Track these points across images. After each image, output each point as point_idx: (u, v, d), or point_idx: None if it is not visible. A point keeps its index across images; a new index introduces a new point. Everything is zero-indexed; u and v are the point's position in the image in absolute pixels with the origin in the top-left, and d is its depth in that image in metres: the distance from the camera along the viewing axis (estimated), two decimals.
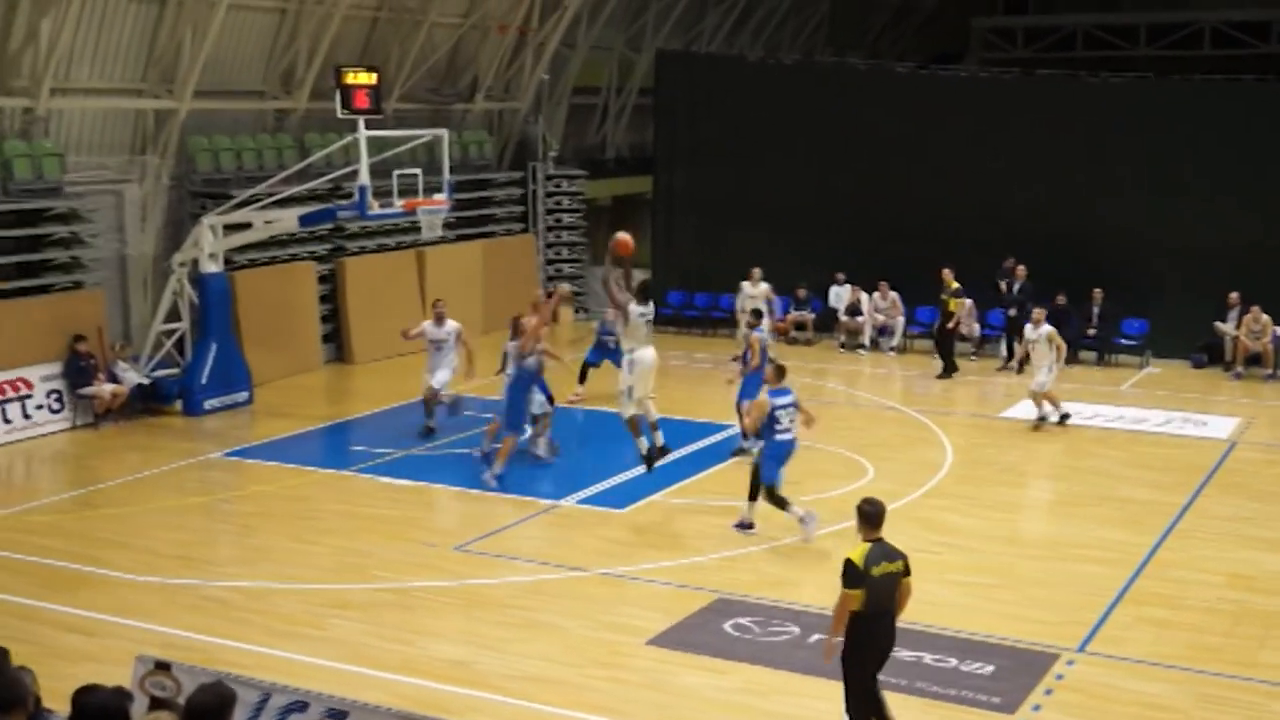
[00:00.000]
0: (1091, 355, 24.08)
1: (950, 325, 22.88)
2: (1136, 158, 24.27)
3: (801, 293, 26.06)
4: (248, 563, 13.55)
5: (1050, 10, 42.83)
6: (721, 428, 18.49)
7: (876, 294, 25.27)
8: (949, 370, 22.78)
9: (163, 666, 8.27)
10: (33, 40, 18.81)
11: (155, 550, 13.81)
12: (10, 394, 18.36)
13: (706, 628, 11.67)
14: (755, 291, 24.13)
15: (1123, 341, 23.85)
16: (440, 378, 18.28)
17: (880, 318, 25.25)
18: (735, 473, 16.43)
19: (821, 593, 12.44)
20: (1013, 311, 23.39)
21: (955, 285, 22.82)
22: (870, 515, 8.81)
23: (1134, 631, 11.63)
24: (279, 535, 14.38)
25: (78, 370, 18.93)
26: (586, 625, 11.76)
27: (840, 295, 26.00)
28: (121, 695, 6.74)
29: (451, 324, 18.42)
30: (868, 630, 8.68)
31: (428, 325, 18.61)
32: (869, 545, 8.71)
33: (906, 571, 8.82)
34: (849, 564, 8.59)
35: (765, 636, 11.47)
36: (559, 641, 11.38)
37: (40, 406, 18.71)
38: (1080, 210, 24.59)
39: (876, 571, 8.60)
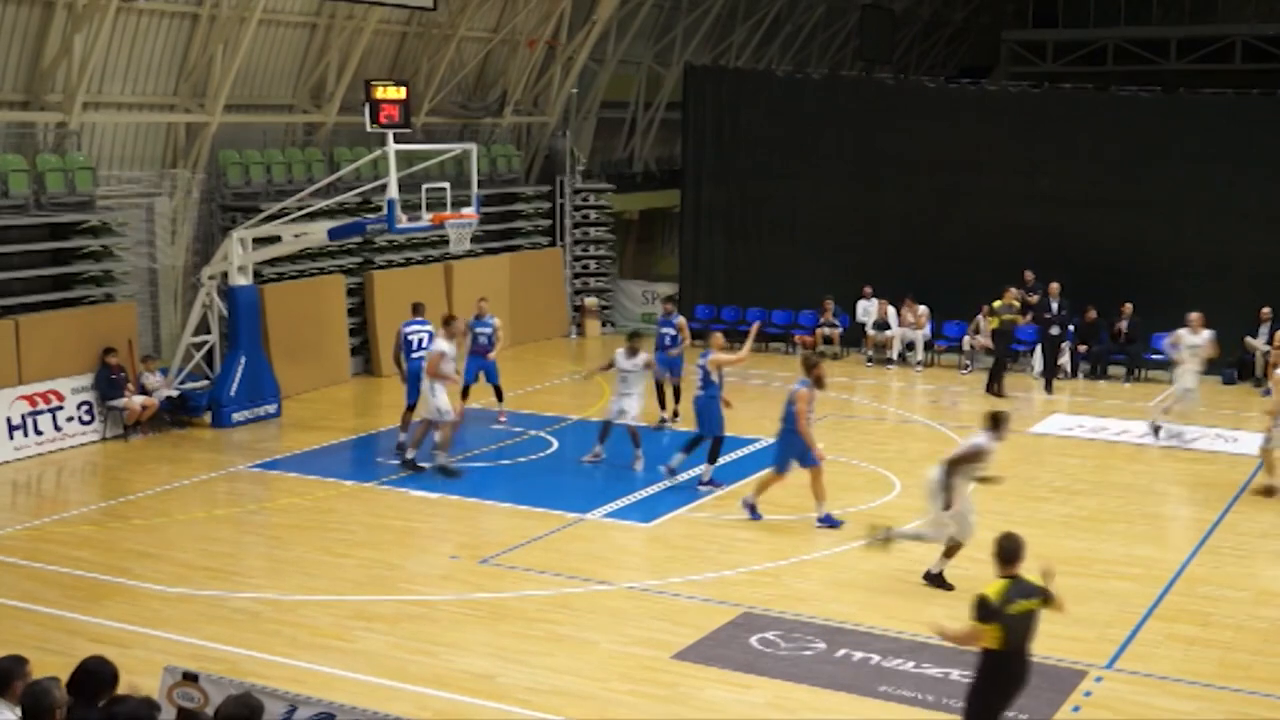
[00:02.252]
0: (1121, 370, 23.94)
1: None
2: (1167, 172, 24.15)
3: (829, 306, 26.02)
4: (275, 575, 13.61)
5: (1080, 24, 42.74)
6: (747, 442, 18.46)
7: (904, 308, 25.19)
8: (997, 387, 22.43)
9: (190, 677, 8.34)
10: (66, 55, 18.99)
11: (184, 562, 13.89)
12: (42, 406, 18.50)
13: (732, 642, 11.65)
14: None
15: (1153, 357, 23.69)
16: (633, 408, 17.35)
17: (907, 332, 25.16)
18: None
19: (846, 607, 12.44)
20: (1055, 330, 23.17)
21: (1016, 304, 22.68)
22: (1004, 551, 8.72)
23: (1163, 649, 11.57)
24: (307, 547, 14.43)
25: (108, 382, 19.05)
26: (612, 639, 11.76)
27: (868, 310, 25.91)
28: (150, 705, 6.79)
29: (643, 355, 17.44)
30: (1004, 667, 8.60)
31: (619, 356, 17.42)
32: (1006, 582, 8.59)
33: (1045, 604, 8.72)
34: (983, 599, 8.48)
35: (791, 651, 11.44)
36: (584, 655, 11.38)
37: (71, 418, 18.84)
38: (1111, 224, 24.46)
39: (1013, 610, 8.48)
